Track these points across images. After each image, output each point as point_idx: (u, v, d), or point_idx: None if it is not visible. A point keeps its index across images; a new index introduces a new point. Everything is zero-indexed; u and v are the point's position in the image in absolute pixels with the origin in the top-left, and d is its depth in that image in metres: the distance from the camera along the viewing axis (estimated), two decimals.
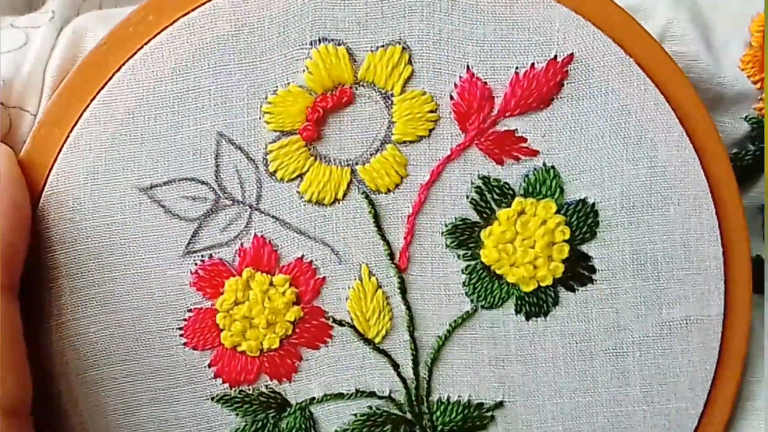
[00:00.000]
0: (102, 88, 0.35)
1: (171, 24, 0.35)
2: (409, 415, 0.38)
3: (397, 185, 0.37)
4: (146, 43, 0.35)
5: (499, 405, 0.38)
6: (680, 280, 0.38)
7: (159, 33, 0.35)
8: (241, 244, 0.36)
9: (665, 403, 0.38)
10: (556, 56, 0.36)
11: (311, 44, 0.35)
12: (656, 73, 0.37)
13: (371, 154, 0.36)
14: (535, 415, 0.38)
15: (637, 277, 0.38)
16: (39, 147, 0.35)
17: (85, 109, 0.35)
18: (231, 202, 0.36)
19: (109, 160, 0.35)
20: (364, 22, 0.35)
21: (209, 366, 0.37)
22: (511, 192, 0.37)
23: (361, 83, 0.36)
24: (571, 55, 0.36)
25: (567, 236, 0.37)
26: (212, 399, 0.37)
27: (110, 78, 0.35)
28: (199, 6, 0.35)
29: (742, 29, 0.39)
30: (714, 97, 0.39)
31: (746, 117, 0.40)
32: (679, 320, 0.38)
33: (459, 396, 0.38)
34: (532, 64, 0.36)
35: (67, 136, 0.35)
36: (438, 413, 0.38)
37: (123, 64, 0.35)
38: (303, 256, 0.37)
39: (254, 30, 0.35)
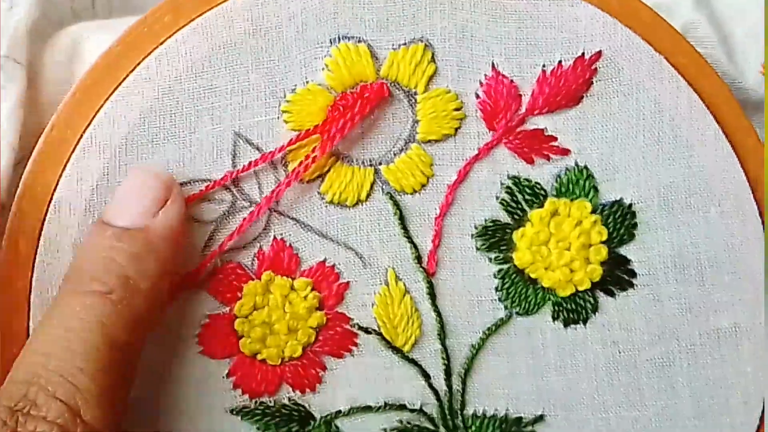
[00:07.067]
0: (116, 88, 0.34)
1: (187, 24, 0.34)
2: (442, 430, 0.36)
3: (422, 186, 0.35)
4: (161, 43, 0.34)
5: (540, 419, 0.36)
6: (727, 285, 0.36)
7: (175, 33, 0.34)
8: (260, 247, 0.35)
9: (717, 418, 0.36)
10: (583, 53, 0.35)
11: (331, 42, 0.35)
12: (686, 71, 0.36)
13: (395, 154, 0.35)
14: (579, 431, 0.36)
15: (681, 282, 0.36)
16: (51, 148, 0.34)
17: (98, 111, 0.34)
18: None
19: (123, 161, 0.34)
20: (385, 20, 0.35)
21: (227, 376, 0.35)
22: (542, 192, 0.35)
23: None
24: (599, 52, 0.35)
25: (604, 237, 0.35)
26: (231, 411, 0.35)
27: (124, 78, 0.34)
28: (216, 6, 0.34)
29: (761, 35, 0.37)
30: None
31: None
32: (728, 328, 0.36)
33: (496, 409, 0.36)
34: (560, 61, 0.35)
35: (80, 138, 0.34)
36: (473, 428, 0.36)
37: (137, 65, 0.34)
38: (325, 259, 0.35)
39: (272, 29, 0.34)
